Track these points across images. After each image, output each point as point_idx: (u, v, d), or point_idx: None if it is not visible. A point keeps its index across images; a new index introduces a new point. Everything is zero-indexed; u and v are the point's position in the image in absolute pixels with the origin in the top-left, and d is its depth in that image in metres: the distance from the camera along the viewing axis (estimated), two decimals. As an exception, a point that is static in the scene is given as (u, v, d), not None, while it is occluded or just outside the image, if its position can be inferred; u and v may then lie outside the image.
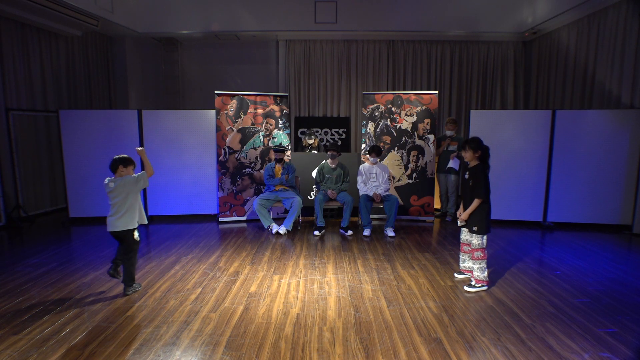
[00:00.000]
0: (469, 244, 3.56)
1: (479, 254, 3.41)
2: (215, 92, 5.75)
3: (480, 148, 3.37)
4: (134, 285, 3.43)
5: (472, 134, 5.65)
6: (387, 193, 5.31)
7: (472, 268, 3.47)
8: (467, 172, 3.48)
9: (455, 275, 3.76)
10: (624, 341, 2.61)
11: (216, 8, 7.28)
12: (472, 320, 2.89)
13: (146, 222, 3.50)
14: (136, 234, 3.38)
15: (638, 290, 3.46)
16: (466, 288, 3.43)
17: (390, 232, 5.19)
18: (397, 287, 3.49)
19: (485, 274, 3.43)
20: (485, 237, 3.44)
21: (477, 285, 3.42)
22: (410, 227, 5.65)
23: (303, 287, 3.51)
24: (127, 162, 3.35)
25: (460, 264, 3.73)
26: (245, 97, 5.87)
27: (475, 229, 3.41)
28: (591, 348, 2.53)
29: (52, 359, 2.40)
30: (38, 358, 2.41)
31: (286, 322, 2.85)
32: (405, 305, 3.14)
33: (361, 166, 5.46)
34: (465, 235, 3.62)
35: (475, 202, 3.37)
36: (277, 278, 3.71)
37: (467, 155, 3.42)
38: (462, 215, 3.49)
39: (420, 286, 3.52)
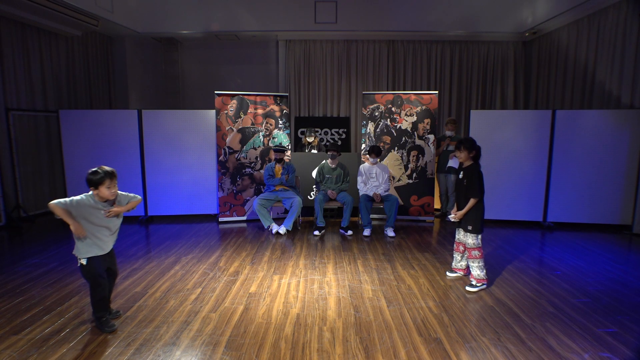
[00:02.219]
0: (464, 244, 3.59)
1: (475, 252, 3.46)
2: (215, 92, 5.75)
3: (474, 148, 3.43)
4: (103, 320, 2.74)
5: (472, 134, 5.64)
6: (387, 193, 5.31)
7: (472, 267, 3.49)
8: (462, 172, 3.53)
9: (448, 273, 3.78)
10: (624, 341, 2.61)
11: (216, 8, 7.27)
12: (472, 320, 2.89)
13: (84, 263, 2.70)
14: (83, 261, 2.69)
15: (638, 290, 3.46)
16: (467, 288, 3.45)
17: (390, 232, 5.19)
18: (397, 287, 3.49)
19: (484, 272, 3.47)
20: (479, 236, 3.47)
21: (477, 285, 3.45)
22: (410, 227, 5.65)
23: (303, 287, 3.51)
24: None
25: (454, 263, 3.77)
26: (245, 97, 5.87)
27: (470, 228, 3.46)
28: (591, 348, 2.53)
29: (52, 359, 2.40)
30: (38, 358, 2.41)
31: (286, 322, 2.85)
32: (405, 305, 3.14)
33: (361, 166, 5.46)
34: (460, 235, 3.64)
35: (471, 202, 3.42)
36: (277, 278, 3.71)
37: (462, 155, 3.47)
38: (457, 214, 3.53)
39: (420, 286, 3.52)
